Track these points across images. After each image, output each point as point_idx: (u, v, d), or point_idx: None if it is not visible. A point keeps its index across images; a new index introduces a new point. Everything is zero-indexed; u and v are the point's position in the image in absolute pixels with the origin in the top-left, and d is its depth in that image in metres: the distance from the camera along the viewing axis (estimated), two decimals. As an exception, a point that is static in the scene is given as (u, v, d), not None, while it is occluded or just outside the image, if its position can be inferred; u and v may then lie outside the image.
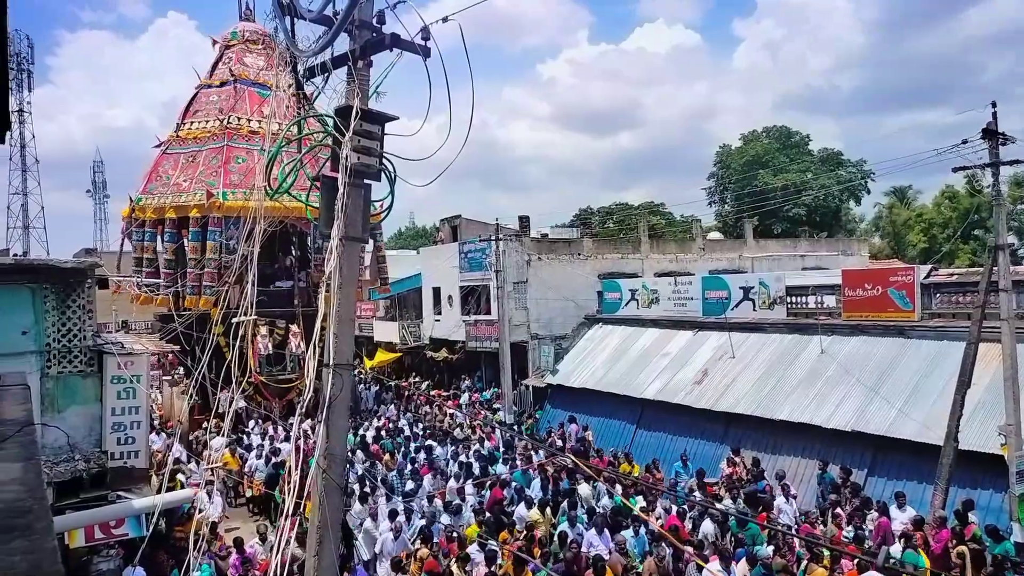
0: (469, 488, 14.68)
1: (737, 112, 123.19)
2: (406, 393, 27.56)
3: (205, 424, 19.56)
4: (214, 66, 24.83)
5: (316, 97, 5.71)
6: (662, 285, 23.93)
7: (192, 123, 23.56)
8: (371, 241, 24.67)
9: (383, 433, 20.59)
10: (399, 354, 33.11)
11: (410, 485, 15.02)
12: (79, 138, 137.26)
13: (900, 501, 12.15)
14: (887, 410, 14.91)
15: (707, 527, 11.92)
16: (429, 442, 18.28)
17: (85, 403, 9.64)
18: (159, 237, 22.65)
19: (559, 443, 19.19)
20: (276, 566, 5.58)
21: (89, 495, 9.23)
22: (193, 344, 15.04)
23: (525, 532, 11.94)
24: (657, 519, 12.53)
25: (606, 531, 11.54)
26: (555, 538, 11.88)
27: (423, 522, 12.33)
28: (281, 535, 5.60)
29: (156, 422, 20.76)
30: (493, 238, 24.47)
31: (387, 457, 17.50)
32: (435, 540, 11.59)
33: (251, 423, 20.88)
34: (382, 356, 33.33)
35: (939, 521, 11.33)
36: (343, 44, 5.47)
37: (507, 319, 23.90)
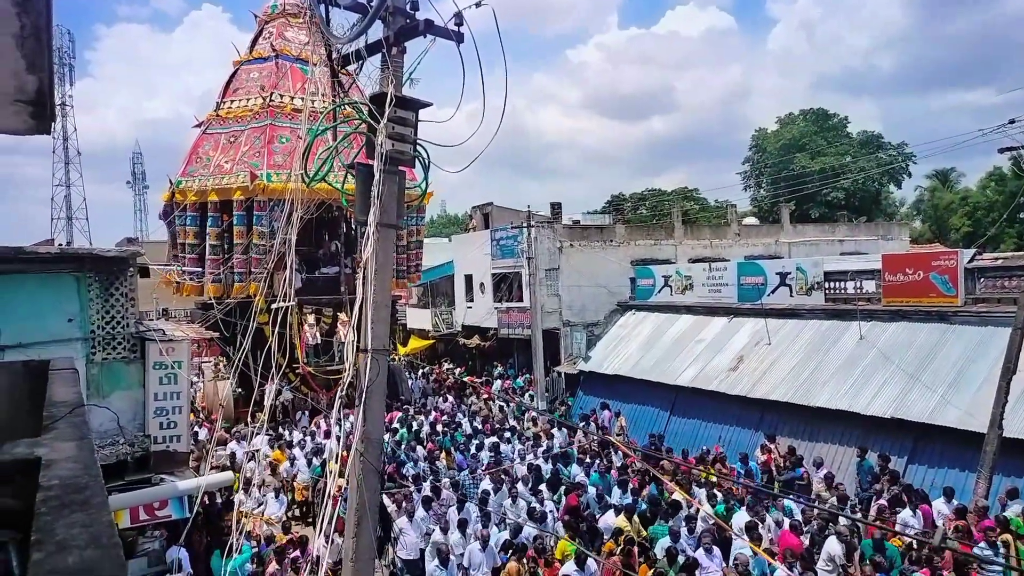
0: (544, 492, 13.35)
1: (772, 95, 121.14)
2: (445, 381, 27.38)
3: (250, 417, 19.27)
4: (254, 41, 23.89)
5: (351, 85, 5.74)
6: (696, 271, 23.68)
7: (232, 102, 22.61)
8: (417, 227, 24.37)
9: (437, 428, 19.31)
10: (432, 341, 33.37)
11: (485, 485, 13.55)
12: (118, 130, 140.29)
13: (948, 495, 11.78)
14: (928, 397, 14.60)
15: (832, 547, 10.06)
16: (492, 439, 17.04)
17: (129, 388, 9.90)
18: (201, 221, 21.34)
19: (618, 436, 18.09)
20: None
21: (133, 478, 9.50)
22: (235, 332, 14.64)
23: (623, 546, 10.27)
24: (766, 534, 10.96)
25: (715, 548, 10.03)
26: (654, 552, 10.29)
27: (495, 530, 11.18)
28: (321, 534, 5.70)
29: (200, 414, 20.55)
30: (525, 225, 24.44)
31: (444, 455, 16.23)
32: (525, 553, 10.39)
33: (298, 414, 20.26)
34: (415, 343, 33.62)
35: (981, 510, 11.10)
36: (377, 31, 5.50)
37: (539, 306, 23.89)
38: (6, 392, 2.94)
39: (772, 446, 15.73)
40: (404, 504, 12.18)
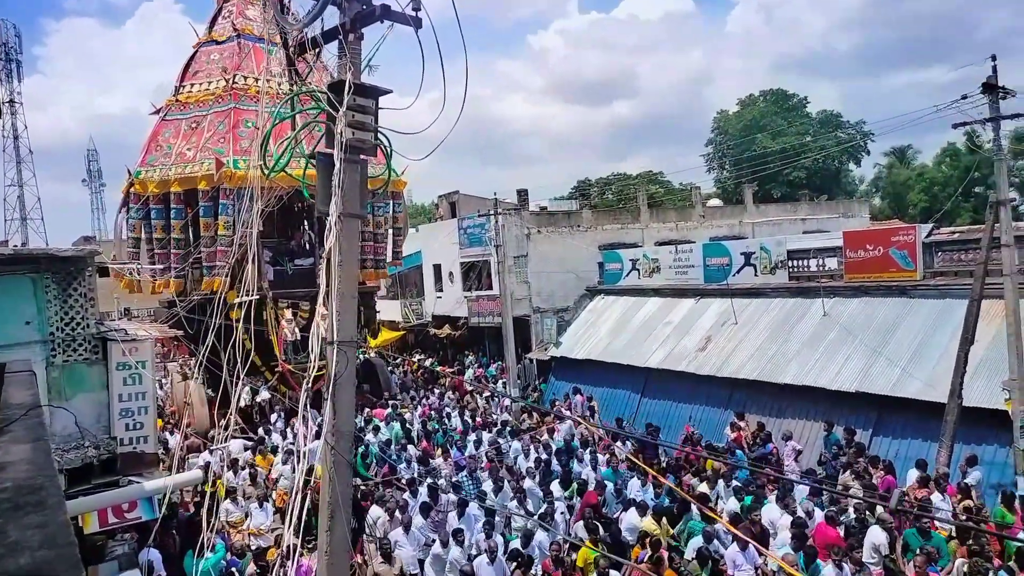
0: (556, 490, 12.25)
1: (734, 77, 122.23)
2: (419, 373, 26.91)
3: (223, 420, 17.99)
4: (213, 20, 22.49)
5: (308, 72, 5.64)
6: (663, 254, 23.90)
7: (192, 85, 21.16)
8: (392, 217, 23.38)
9: (428, 425, 18.47)
10: (402, 332, 33.21)
11: (487, 487, 12.41)
12: (71, 127, 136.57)
13: (922, 467, 11.73)
14: (891, 370, 14.96)
15: (877, 536, 9.42)
16: (488, 434, 16.28)
17: (92, 390, 9.67)
18: (166, 213, 19.79)
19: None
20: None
21: (100, 481, 9.31)
22: (203, 330, 14.05)
23: (650, 552, 9.36)
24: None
25: (751, 545, 9.16)
26: (686, 556, 9.51)
27: (501, 536, 10.28)
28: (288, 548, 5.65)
29: (168, 419, 19.46)
30: (492, 213, 24.39)
31: (440, 452, 15.51)
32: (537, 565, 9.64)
33: (273, 417, 19.07)
34: (386, 335, 33.41)
35: (943, 478, 11.42)
36: (333, 18, 5.41)
37: (508, 294, 23.90)
38: (-41, 397, 2.85)
39: (742, 423, 15.99)
40: (398, 514, 11.28)
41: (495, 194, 25.23)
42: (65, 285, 9.47)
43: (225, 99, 20.21)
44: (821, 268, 19.03)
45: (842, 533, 9.76)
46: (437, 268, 31.37)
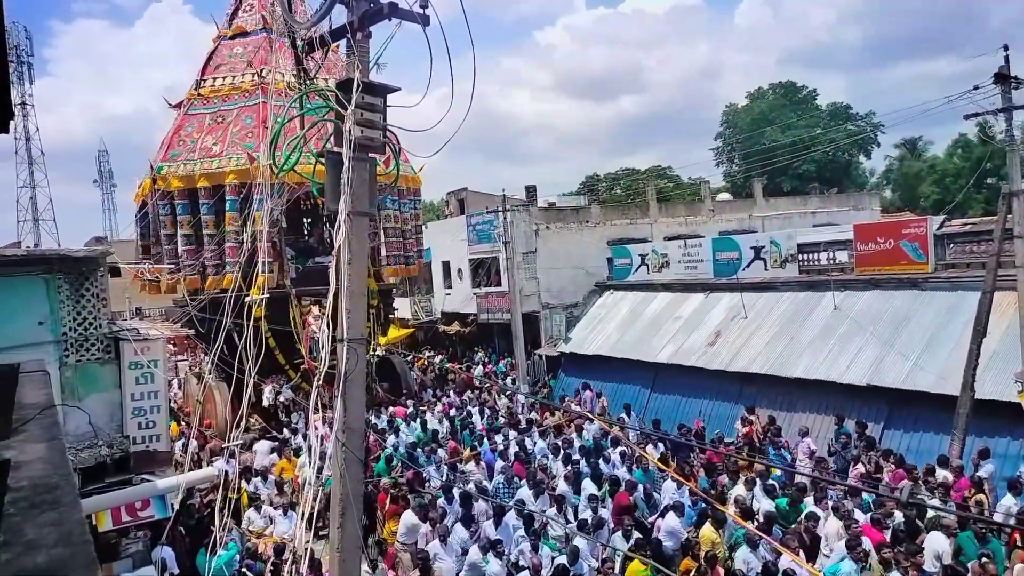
0: (589, 488, 11.50)
1: (741, 71, 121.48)
2: (427, 370, 26.60)
3: (246, 423, 17.39)
4: (233, 14, 22.22)
5: (317, 71, 5.66)
6: (672, 249, 23.83)
7: (215, 79, 20.90)
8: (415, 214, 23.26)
9: (453, 422, 17.78)
10: (412, 329, 33.26)
11: (524, 493, 11.56)
12: (82, 129, 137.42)
13: (943, 463, 11.59)
14: (902, 363, 14.87)
15: (939, 543, 8.74)
16: (512, 433, 15.67)
17: (104, 390, 9.75)
18: (193, 209, 19.40)
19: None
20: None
21: (114, 479, 9.39)
22: (219, 329, 13.36)
23: (707, 568, 8.53)
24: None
25: (802, 552, 8.83)
26: (737, 566, 8.88)
27: (546, 553, 9.48)
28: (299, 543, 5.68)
29: (183, 420, 19.06)
30: (500, 209, 24.38)
31: (467, 453, 14.83)
32: None
33: (295, 417, 18.67)
34: (395, 332, 33.48)
35: (956, 470, 11.36)
36: (341, 16, 5.42)
37: (517, 290, 23.90)
38: (-26, 397, 2.88)
39: (753, 418, 15.94)
40: (437, 525, 10.74)
41: (503, 191, 25.24)
42: (77, 286, 9.55)
43: (252, 93, 19.91)
44: (832, 261, 18.93)
45: (888, 537, 9.20)
46: (446, 265, 31.39)
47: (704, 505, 10.47)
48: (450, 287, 31.46)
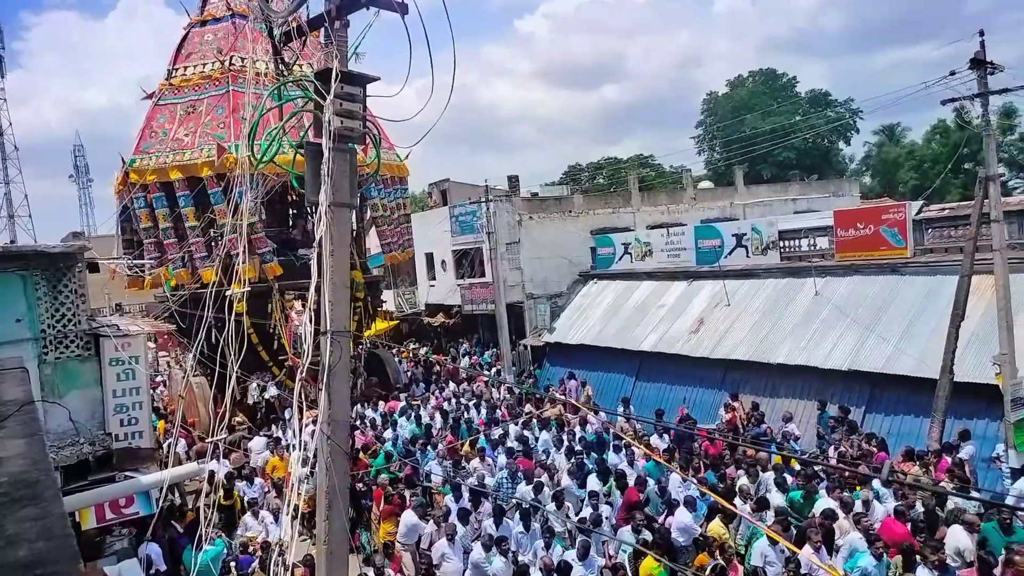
0: (594, 485, 11.18)
1: (722, 59, 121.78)
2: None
3: (234, 420, 16.58)
4: (205, 0, 21.67)
5: (294, 61, 5.60)
6: (655, 237, 23.93)
7: (186, 67, 20.30)
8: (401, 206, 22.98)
9: (449, 419, 17.07)
10: (396, 321, 33.17)
11: (523, 489, 11.27)
12: (56, 122, 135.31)
13: (948, 450, 11.57)
14: (883, 347, 15.06)
15: (960, 539, 8.41)
16: (513, 427, 15.24)
17: (85, 387, 9.65)
18: (170, 201, 18.95)
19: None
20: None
21: (96, 477, 9.30)
22: (200, 324, 12.97)
23: (721, 563, 8.32)
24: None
25: (823, 549, 8.35)
26: (753, 561, 8.70)
27: (556, 549, 9.23)
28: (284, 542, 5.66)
29: (168, 418, 18.44)
30: (483, 200, 24.32)
31: (467, 448, 14.44)
32: None
33: (286, 412, 17.53)
34: (379, 324, 33.37)
35: (936, 453, 11.53)
36: (318, 5, 5.36)
37: (501, 280, 23.91)
38: (-49, 395, 2.84)
39: (736, 404, 16.09)
40: (443, 524, 10.42)
41: (486, 181, 25.18)
42: (55, 282, 9.42)
43: (222, 81, 19.41)
44: (812, 248, 19.10)
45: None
46: (429, 256, 31.30)
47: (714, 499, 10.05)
48: (434, 279, 31.39)
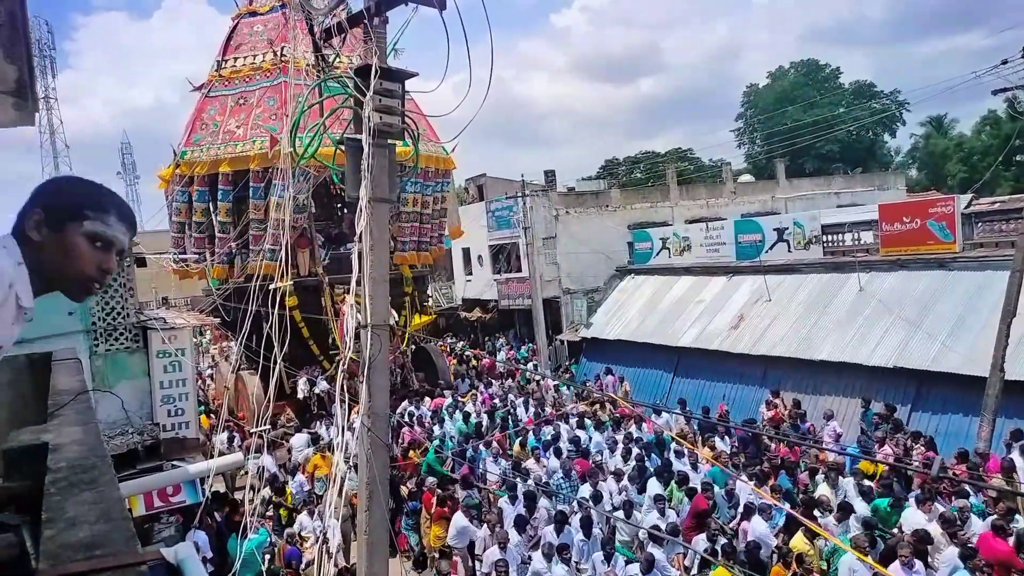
0: (655, 487, 10.49)
1: (762, 50, 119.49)
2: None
3: (281, 416, 16.62)
4: None
5: (335, 58, 5.67)
6: (694, 232, 23.66)
7: (236, 59, 20.06)
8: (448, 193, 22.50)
9: (496, 417, 16.33)
10: (433, 316, 33.41)
11: (586, 490, 10.49)
12: (104, 121, 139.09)
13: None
14: (930, 344, 14.68)
15: None
16: (558, 425, 14.63)
17: (134, 378, 9.93)
18: (212, 195, 18.87)
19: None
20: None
21: (145, 466, 9.58)
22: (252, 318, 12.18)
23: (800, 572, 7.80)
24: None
25: (918, 563, 7.54)
26: None
27: (618, 561, 8.66)
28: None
29: (213, 413, 18.40)
30: (520, 195, 24.33)
31: (518, 448, 13.84)
32: None
33: (334, 408, 17.61)
34: (416, 319, 33.65)
35: (984, 455, 11.21)
36: (358, 2, 5.42)
37: (538, 275, 23.89)
38: (11, 384, 2.95)
39: (777, 401, 15.85)
40: (496, 529, 9.86)
41: (522, 176, 25.22)
42: (105, 276, 9.68)
43: (273, 72, 19.11)
44: (856, 242, 18.68)
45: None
46: (466, 251, 31.45)
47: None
48: (470, 273, 31.53)
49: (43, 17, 54.32)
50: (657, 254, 24.73)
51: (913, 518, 8.90)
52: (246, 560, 9.04)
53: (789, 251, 19.98)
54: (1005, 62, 11.67)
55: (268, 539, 10.69)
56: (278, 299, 7.15)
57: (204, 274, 19.65)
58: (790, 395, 16.21)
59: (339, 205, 21.81)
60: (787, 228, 20.20)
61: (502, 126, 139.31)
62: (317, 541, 10.76)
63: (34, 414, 2.44)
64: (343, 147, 5.40)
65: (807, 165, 45.58)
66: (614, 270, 26.14)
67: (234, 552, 10.04)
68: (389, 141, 5.38)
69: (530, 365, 24.21)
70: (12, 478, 1.60)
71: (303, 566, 10.40)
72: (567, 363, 24.97)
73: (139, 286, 10.95)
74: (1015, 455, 11.14)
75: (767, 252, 20.51)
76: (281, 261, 6.99)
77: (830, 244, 19.20)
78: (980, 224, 15.98)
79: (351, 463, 6.23)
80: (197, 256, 19.07)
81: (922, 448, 11.83)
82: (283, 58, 18.51)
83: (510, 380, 21.13)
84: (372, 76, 5.09)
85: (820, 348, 16.64)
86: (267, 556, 10.32)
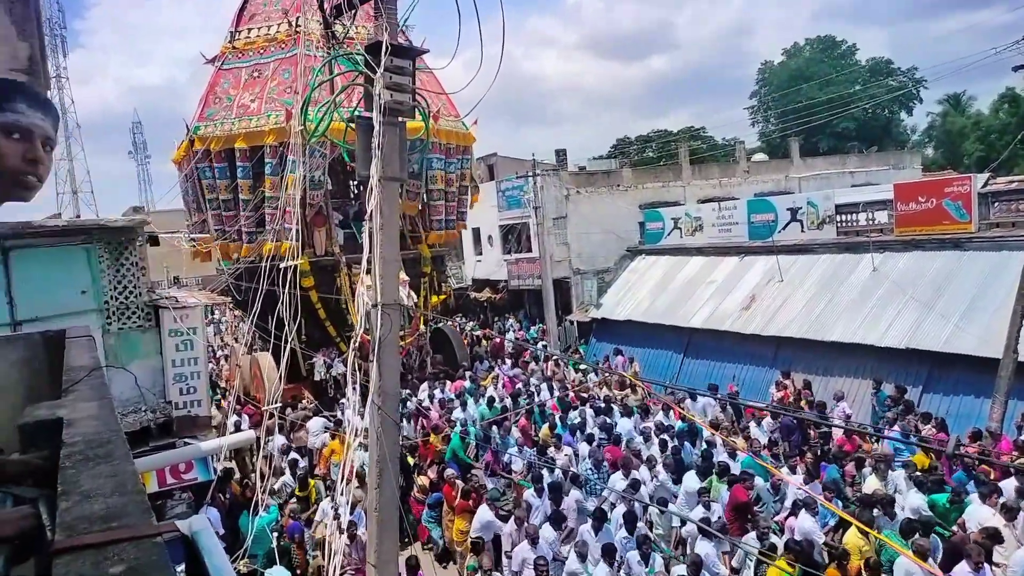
0: (692, 481, 9.91)
1: (776, 26, 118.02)
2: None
3: (302, 399, 16.49)
4: None
5: (345, 34, 5.62)
6: (706, 212, 23.49)
7: (250, 30, 19.34)
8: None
9: (520, 400, 15.69)
10: (445, 295, 33.45)
11: (619, 480, 9.90)
12: (114, 100, 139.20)
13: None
14: (943, 325, 14.57)
15: None
16: (590, 411, 13.95)
17: (146, 356, 10.01)
18: (231, 171, 18.21)
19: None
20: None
21: (158, 443, 9.70)
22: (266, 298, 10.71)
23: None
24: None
25: (986, 566, 6.99)
26: None
27: (656, 561, 8.10)
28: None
29: (227, 394, 17.98)
30: (530, 174, 24.22)
31: (546, 431, 13.17)
32: None
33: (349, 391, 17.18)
34: (434, 299, 33.70)
35: (995, 435, 11.17)
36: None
37: (548, 255, 23.85)
38: (26, 361, 2.97)
39: (787, 382, 15.81)
40: (524, 524, 9.22)
41: (533, 155, 25.06)
42: (117, 255, 9.75)
43: (289, 44, 18.49)
44: (871, 222, 18.50)
45: None
46: (476, 231, 31.41)
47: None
48: (480, 254, 31.52)
49: (52, -5, 54.06)
50: (668, 234, 24.60)
51: (979, 514, 8.21)
52: (257, 537, 9.16)
53: (802, 231, 19.83)
54: (1025, 38, 11.44)
55: (278, 517, 10.82)
56: (289, 278, 7.15)
57: (225, 252, 19.19)
58: (800, 376, 16.17)
59: (355, 183, 21.34)
60: (800, 208, 20.03)
61: (512, 104, 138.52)
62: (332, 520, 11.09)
63: (49, 390, 2.46)
64: (353, 125, 5.37)
65: (822, 144, 45.09)
66: (625, 250, 26.04)
67: (245, 529, 10.20)
68: (400, 119, 5.35)
69: (540, 345, 24.23)
70: (28, 452, 1.62)
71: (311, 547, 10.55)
72: (577, 343, 24.99)
73: (150, 265, 11.01)
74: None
75: (780, 232, 20.36)
76: (294, 238, 6.97)
77: (844, 224, 19.02)
78: (997, 204, 15.77)
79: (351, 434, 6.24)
80: (218, 233, 18.51)
81: (932, 429, 11.79)
82: (298, 28, 17.97)
83: (534, 363, 20.50)
84: (383, 53, 5.04)
85: (832, 329, 16.56)
86: (275, 534, 10.46)
